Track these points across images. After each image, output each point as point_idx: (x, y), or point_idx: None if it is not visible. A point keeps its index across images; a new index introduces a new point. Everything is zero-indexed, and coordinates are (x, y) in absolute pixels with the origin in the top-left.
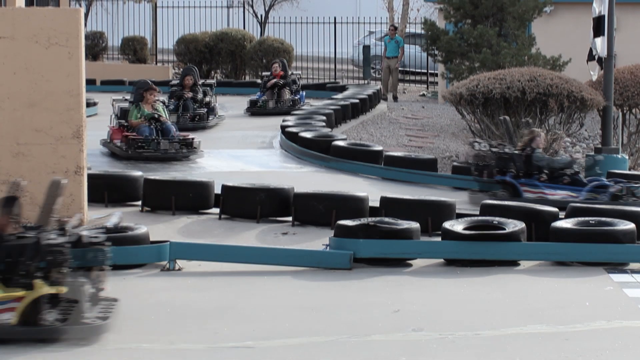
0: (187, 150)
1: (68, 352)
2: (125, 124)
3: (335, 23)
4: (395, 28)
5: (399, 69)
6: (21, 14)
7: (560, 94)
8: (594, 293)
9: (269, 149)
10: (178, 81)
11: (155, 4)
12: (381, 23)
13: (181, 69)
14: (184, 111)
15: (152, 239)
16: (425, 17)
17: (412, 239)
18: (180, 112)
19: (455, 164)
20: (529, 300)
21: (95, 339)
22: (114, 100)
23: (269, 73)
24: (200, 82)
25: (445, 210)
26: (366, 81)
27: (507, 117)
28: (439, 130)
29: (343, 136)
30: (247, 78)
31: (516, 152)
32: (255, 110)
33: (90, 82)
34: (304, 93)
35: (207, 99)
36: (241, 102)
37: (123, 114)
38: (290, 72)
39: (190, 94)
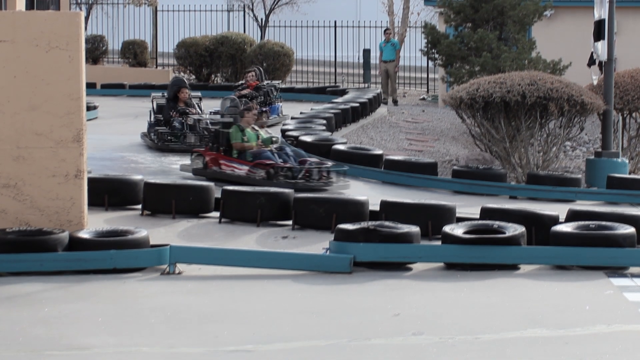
0: (326, 178)
1: (67, 355)
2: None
3: (335, 27)
4: (390, 31)
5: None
6: (21, 18)
7: (561, 98)
8: (594, 297)
9: None
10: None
11: (156, 8)
12: (381, 27)
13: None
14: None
15: (152, 242)
16: (426, 20)
17: (412, 243)
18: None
19: (455, 167)
20: (529, 304)
21: (94, 342)
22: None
23: (243, 82)
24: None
25: (446, 214)
26: (366, 85)
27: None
28: (439, 134)
29: (343, 140)
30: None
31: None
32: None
33: (90, 86)
34: (281, 105)
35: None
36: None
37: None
38: (267, 82)
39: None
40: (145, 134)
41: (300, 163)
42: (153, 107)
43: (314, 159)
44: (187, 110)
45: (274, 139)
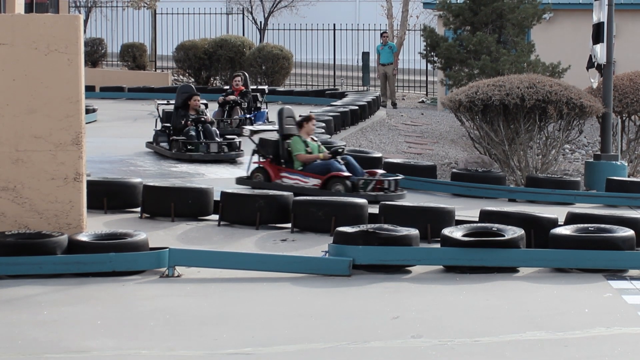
0: (394, 188)
1: (66, 358)
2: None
3: (334, 30)
4: (387, 34)
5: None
6: (20, 21)
7: (560, 101)
8: (593, 300)
9: None
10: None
11: (155, 11)
12: (380, 30)
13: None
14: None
15: (151, 245)
16: (425, 23)
17: (411, 246)
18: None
19: (454, 170)
20: (528, 307)
21: (93, 345)
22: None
23: (228, 87)
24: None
25: (445, 217)
26: (365, 88)
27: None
28: (438, 137)
29: (342, 143)
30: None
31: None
32: None
33: (89, 89)
34: (267, 111)
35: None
36: None
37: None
38: (255, 86)
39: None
40: (152, 142)
41: (368, 174)
42: (159, 114)
43: (379, 171)
44: (203, 118)
45: (340, 149)
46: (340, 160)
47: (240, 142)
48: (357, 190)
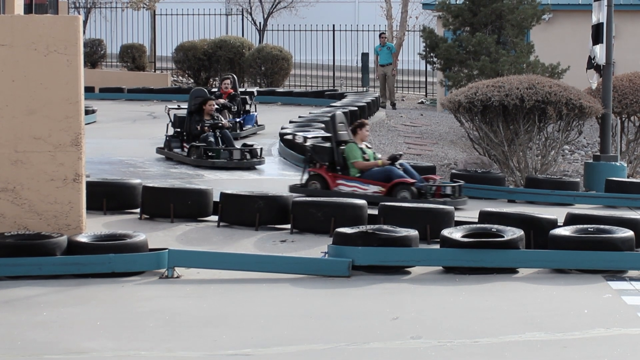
0: (458, 193)
1: (66, 359)
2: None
3: (334, 31)
4: (385, 35)
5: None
6: (20, 22)
7: (559, 102)
8: (592, 301)
9: (268, 157)
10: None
11: (154, 12)
12: (379, 31)
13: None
14: None
15: (150, 246)
16: (424, 24)
17: (411, 247)
18: None
19: (453, 171)
20: (528, 308)
21: (93, 346)
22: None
23: (216, 90)
24: None
25: (444, 218)
26: (365, 89)
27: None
28: (437, 137)
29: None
30: (246, 85)
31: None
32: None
33: (88, 90)
34: (256, 114)
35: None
36: None
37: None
38: (244, 89)
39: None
40: (164, 148)
41: (425, 180)
42: (170, 119)
43: (435, 176)
44: (220, 124)
45: (398, 155)
46: (398, 166)
47: (261, 148)
48: (423, 196)
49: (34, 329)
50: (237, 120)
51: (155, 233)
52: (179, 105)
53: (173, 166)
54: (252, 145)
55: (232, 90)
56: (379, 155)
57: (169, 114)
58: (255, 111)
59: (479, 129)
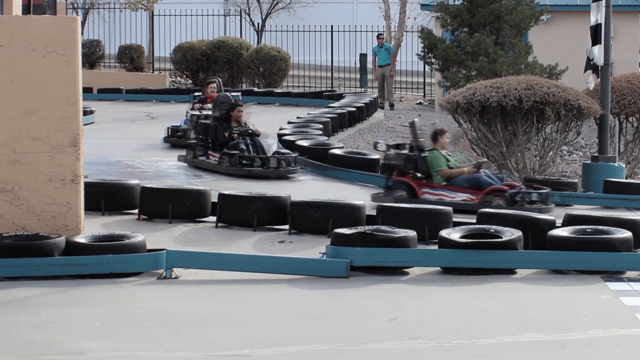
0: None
1: None
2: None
3: (332, 31)
4: (383, 36)
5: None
6: (18, 23)
7: (557, 103)
8: (590, 301)
9: None
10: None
11: (152, 12)
12: (378, 32)
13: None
14: None
15: (148, 247)
16: (422, 25)
17: (409, 247)
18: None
19: None
20: (526, 309)
21: (91, 346)
22: (192, 114)
23: (200, 93)
24: None
25: (442, 219)
26: (363, 89)
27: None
28: None
29: (340, 144)
30: (244, 86)
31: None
32: (175, 140)
33: (87, 91)
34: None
35: None
36: None
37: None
38: (228, 93)
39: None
40: (187, 156)
41: (508, 187)
42: (192, 126)
43: (516, 183)
44: (251, 131)
45: (482, 162)
46: (483, 173)
47: (296, 156)
48: (517, 203)
49: (33, 330)
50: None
51: (153, 234)
52: (200, 112)
53: (171, 166)
54: (284, 153)
55: (217, 94)
56: (452, 161)
57: (191, 120)
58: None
59: (477, 130)
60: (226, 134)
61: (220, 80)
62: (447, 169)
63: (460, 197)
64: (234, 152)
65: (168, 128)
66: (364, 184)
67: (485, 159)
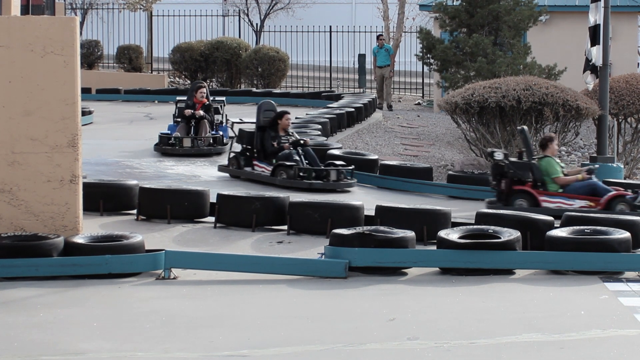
0: None
1: None
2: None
3: (330, 32)
4: (383, 36)
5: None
6: (17, 23)
7: (556, 103)
8: (589, 302)
9: None
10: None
11: (151, 13)
12: (376, 32)
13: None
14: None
15: (147, 247)
16: (421, 25)
17: (408, 248)
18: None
19: (450, 172)
20: (525, 309)
21: (89, 347)
22: (233, 122)
23: (184, 98)
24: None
25: (441, 219)
26: (362, 90)
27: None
28: (434, 139)
29: (338, 145)
30: (243, 87)
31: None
32: (167, 149)
33: (85, 91)
34: (228, 126)
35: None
36: (236, 111)
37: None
38: (212, 97)
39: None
40: (229, 166)
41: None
42: (235, 134)
43: (620, 188)
44: (302, 141)
45: (594, 168)
46: (595, 179)
47: (352, 169)
48: (638, 208)
49: (31, 330)
50: (221, 133)
51: (152, 234)
52: (241, 119)
53: (169, 167)
54: (339, 166)
55: (206, 100)
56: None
57: (232, 128)
58: (227, 121)
59: (475, 130)
60: (275, 144)
61: (206, 85)
62: (563, 176)
63: (578, 204)
64: (290, 163)
65: (159, 135)
66: (363, 184)
67: (597, 164)
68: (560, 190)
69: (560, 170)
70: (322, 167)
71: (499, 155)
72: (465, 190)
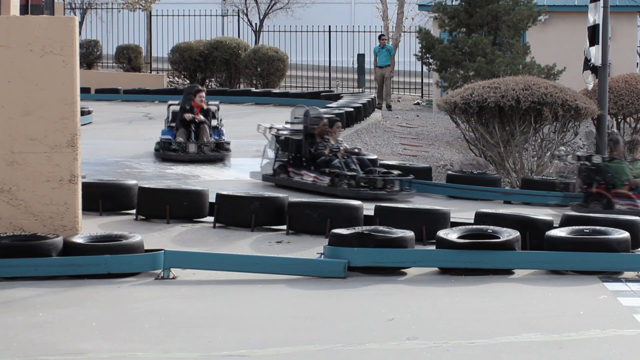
0: None
1: None
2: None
3: (330, 32)
4: (385, 36)
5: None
6: (16, 23)
7: (555, 103)
8: (588, 302)
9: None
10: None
11: (150, 13)
12: (375, 32)
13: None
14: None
15: (146, 247)
16: (420, 25)
17: (407, 248)
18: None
19: (449, 172)
20: (524, 309)
21: (88, 347)
22: (265, 127)
23: (176, 102)
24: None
25: (440, 219)
26: (361, 90)
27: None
28: (433, 139)
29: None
30: (242, 86)
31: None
32: (170, 154)
33: (84, 91)
34: (223, 129)
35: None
36: (235, 111)
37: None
38: (206, 102)
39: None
40: (275, 175)
41: None
42: (267, 139)
43: None
44: (340, 147)
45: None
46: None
47: (411, 179)
48: None
49: (30, 330)
50: (224, 139)
51: (151, 234)
52: (271, 125)
53: (168, 166)
54: (394, 174)
55: (204, 105)
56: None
57: (266, 134)
58: (222, 126)
59: (474, 130)
60: (312, 150)
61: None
62: (632, 178)
63: None
64: (351, 173)
65: (159, 140)
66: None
67: None
68: (631, 192)
69: (630, 172)
70: (385, 177)
71: (597, 159)
72: (464, 190)
